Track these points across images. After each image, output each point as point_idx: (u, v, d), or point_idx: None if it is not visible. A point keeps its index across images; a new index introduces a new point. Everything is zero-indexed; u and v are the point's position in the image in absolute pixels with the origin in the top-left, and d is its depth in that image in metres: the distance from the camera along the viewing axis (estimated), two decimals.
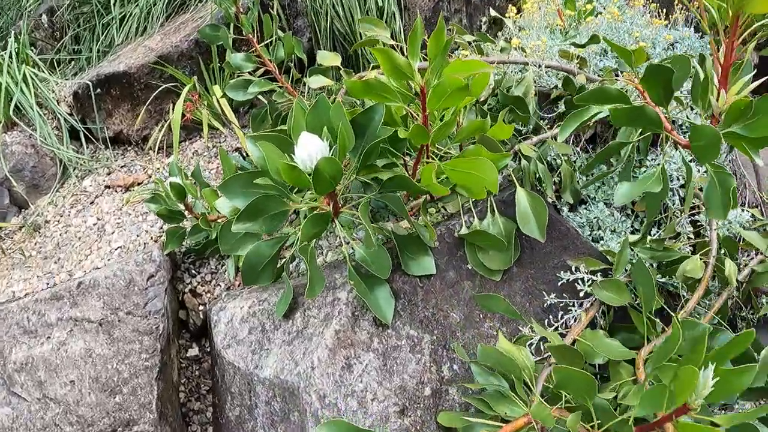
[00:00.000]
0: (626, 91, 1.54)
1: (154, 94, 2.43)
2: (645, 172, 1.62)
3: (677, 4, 2.30)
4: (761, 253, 1.42)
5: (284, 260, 1.39)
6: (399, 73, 1.06)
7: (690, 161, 1.61)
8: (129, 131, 2.54)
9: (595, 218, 1.61)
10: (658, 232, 1.55)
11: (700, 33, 1.97)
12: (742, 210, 1.59)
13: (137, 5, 2.80)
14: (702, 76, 1.02)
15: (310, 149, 1.09)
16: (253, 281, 1.35)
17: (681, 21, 2.05)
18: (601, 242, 1.58)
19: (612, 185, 1.65)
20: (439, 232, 1.41)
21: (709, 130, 0.98)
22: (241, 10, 1.85)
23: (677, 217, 1.56)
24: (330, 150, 1.11)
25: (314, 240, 1.22)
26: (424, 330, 1.29)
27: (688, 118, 1.58)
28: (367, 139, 1.14)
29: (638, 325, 1.28)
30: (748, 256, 1.50)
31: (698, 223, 1.60)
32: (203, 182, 1.69)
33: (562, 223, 1.48)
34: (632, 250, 1.43)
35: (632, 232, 1.62)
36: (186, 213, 1.69)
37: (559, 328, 1.34)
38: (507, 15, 2.06)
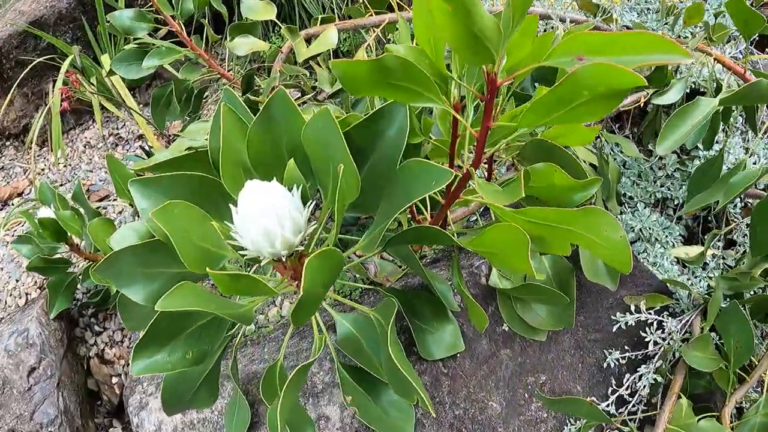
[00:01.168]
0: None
1: (27, 71, 1.82)
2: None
3: None
4: None
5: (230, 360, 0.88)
6: (472, 45, 0.51)
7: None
8: (3, 121, 1.94)
9: (638, 227, 1.15)
10: (717, 238, 1.11)
11: None
12: None
13: None
14: None
15: (266, 220, 0.57)
16: (182, 409, 0.84)
17: None
18: (645, 256, 1.12)
19: (653, 178, 1.19)
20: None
21: None
22: None
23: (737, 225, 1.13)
24: (306, 210, 0.60)
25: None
26: None
27: None
28: (375, 172, 0.63)
29: (721, 383, 0.87)
30: None
31: None
32: (90, 208, 1.15)
33: None
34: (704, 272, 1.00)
35: (683, 242, 1.18)
36: (72, 255, 1.16)
37: (625, 397, 0.91)
38: None
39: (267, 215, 0.55)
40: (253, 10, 1.20)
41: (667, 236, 1.15)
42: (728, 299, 0.95)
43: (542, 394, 0.86)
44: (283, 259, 0.61)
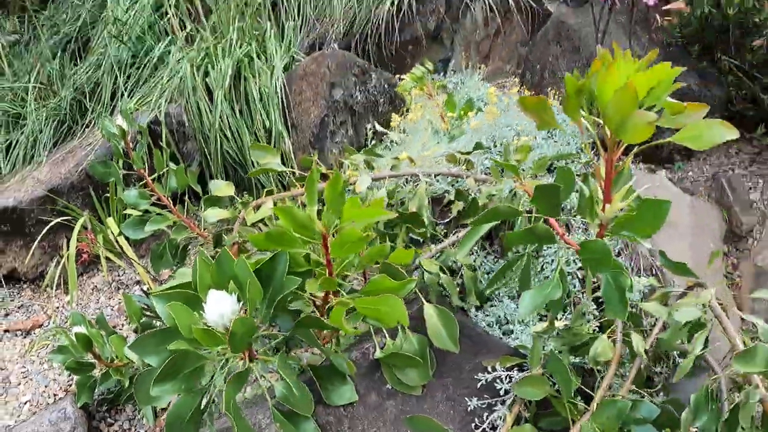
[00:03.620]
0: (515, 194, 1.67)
1: (47, 228, 2.37)
2: (542, 263, 1.74)
3: (551, 91, 2.51)
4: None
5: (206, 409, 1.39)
6: (301, 228, 1.12)
7: None
8: (23, 268, 2.46)
9: (503, 314, 1.70)
10: (565, 315, 1.66)
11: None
12: (639, 277, 1.72)
13: (23, 132, 2.74)
14: (587, 193, 1.13)
15: (221, 309, 1.11)
16: None
17: (557, 107, 2.24)
18: (513, 335, 1.67)
19: (515, 279, 1.76)
20: (354, 357, 1.46)
21: (600, 245, 1.08)
22: (131, 144, 1.87)
23: (580, 300, 1.68)
24: (239, 306, 1.14)
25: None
26: None
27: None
28: (274, 288, 1.18)
29: (560, 411, 1.36)
30: (652, 317, 1.62)
31: (600, 299, 1.72)
32: (109, 329, 1.67)
33: (471, 327, 1.57)
34: (542, 338, 1.53)
35: (540, 320, 1.72)
36: (95, 362, 1.66)
37: (487, 429, 1.41)
38: (392, 123, 2.18)
39: (218, 309, 1.10)
40: (218, 188, 1.79)
41: (529, 319, 1.69)
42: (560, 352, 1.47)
43: (402, 416, 1.37)
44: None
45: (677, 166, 2.46)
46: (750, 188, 2.37)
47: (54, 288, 2.35)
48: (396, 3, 2.77)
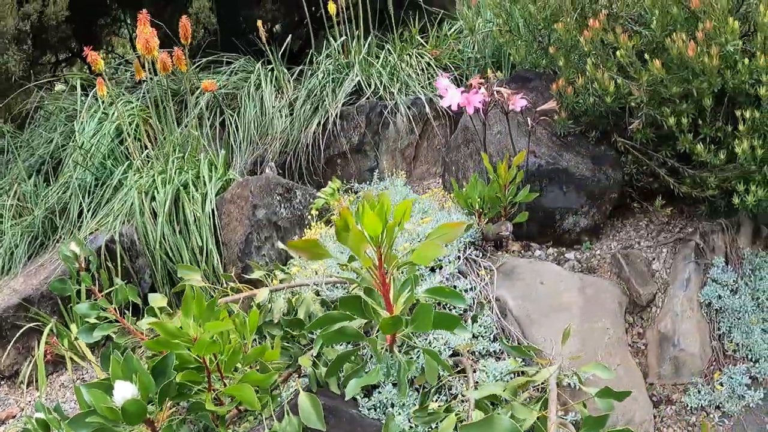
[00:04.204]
0: None
1: (20, 332, 2.82)
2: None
3: None
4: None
5: None
6: (170, 335, 1.58)
7: None
8: (0, 366, 2.89)
9: (385, 399, 1.97)
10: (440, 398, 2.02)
11: None
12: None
13: (1, 246, 3.22)
14: (369, 303, 1.61)
15: (123, 394, 1.56)
16: None
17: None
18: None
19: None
20: None
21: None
22: (83, 266, 2.34)
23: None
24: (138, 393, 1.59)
25: None
26: None
27: None
28: (166, 379, 1.63)
29: None
30: None
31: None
32: (63, 415, 2.10)
33: (345, 410, 1.87)
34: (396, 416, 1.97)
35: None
36: None
37: None
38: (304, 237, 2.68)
39: (121, 394, 1.55)
40: (155, 299, 2.26)
41: (405, 402, 2.00)
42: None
43: None
44: None
45: (585, 246, 2.67)
46: (653, 259, 2.57)
47: (26, 384, 2.78)
48: (322, 123, 3.31)
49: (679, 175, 2.53)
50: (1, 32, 3.16)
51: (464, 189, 2.35)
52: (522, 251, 2.66)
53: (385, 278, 1.55)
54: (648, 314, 2.44)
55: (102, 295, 2.32)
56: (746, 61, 2.17)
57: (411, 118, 3.46)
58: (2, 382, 2.90)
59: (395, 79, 3.59)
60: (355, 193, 3.27)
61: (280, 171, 3.31)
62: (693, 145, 2.37)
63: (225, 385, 1.76)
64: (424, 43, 3.83)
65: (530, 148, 2.65)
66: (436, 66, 3.64)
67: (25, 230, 3.11)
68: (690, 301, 2.38)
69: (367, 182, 3.39)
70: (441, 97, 2.41)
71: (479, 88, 2.30)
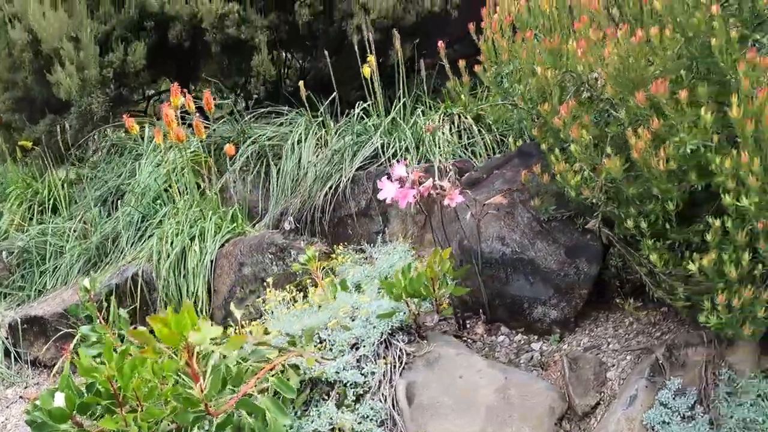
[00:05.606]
0: None
1: (59, 333, 3.39)
2: None
3: None
4: None
5: None
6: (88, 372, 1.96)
7: None
8: (43, 359, 3.49)
9: None
10: None
11: None
12: None
13: (63, 261, 3.83)
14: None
15: (57, 401, 1.84)
16: None
17: None
18: None
19: None
20: None
21: None
22: (92, 298, 2.82)
23: None
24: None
25: None
26: None
27: None
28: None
29: None
30: None
31: None
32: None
33: None
34: None
35: None
36: None
37: None
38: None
39: (57, 402, 1.93)
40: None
41: None
42: None
43: None
44: None
45: (553, 339, 2.56)
46: (613, 365, 2.36)
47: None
48: (333, 186, 3.52)
49: (656, 277, 2.25)
50: (86, 78, 3.76)
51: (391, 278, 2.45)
52: (484, 336, 2.64)
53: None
54: (587, 425, 2.24)
55: (101, 321, 2.79)
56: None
57: None
58: (45, 370, 3.49)
59: (420, 143, 3.64)
60: (363, 252, 3.42)
61: (297, 225, 3.51)
62: (650, 251, 2.15)
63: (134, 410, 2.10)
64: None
65: (501, 235, 2.70)
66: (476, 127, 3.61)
67: (83, 251, 3.71)
68: (630, 422, 2.12)
69: (372, 244, 3.46)
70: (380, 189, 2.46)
71: (419, 183, 2.44)
